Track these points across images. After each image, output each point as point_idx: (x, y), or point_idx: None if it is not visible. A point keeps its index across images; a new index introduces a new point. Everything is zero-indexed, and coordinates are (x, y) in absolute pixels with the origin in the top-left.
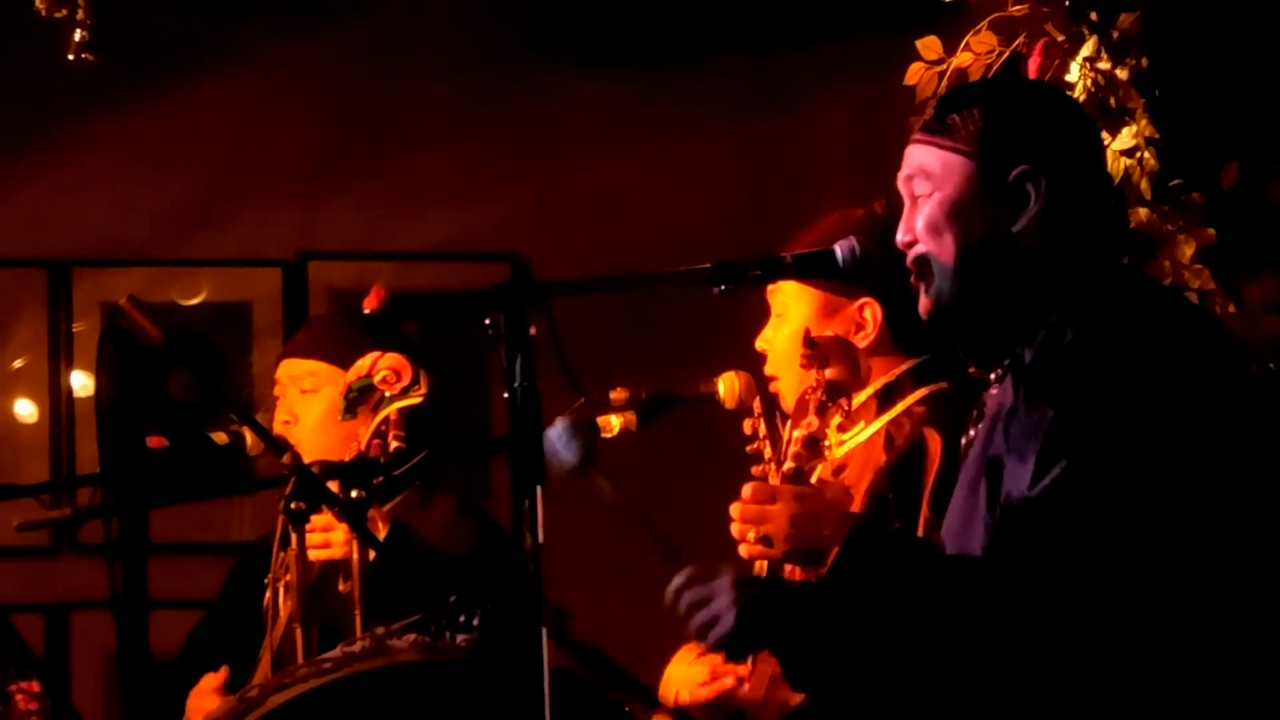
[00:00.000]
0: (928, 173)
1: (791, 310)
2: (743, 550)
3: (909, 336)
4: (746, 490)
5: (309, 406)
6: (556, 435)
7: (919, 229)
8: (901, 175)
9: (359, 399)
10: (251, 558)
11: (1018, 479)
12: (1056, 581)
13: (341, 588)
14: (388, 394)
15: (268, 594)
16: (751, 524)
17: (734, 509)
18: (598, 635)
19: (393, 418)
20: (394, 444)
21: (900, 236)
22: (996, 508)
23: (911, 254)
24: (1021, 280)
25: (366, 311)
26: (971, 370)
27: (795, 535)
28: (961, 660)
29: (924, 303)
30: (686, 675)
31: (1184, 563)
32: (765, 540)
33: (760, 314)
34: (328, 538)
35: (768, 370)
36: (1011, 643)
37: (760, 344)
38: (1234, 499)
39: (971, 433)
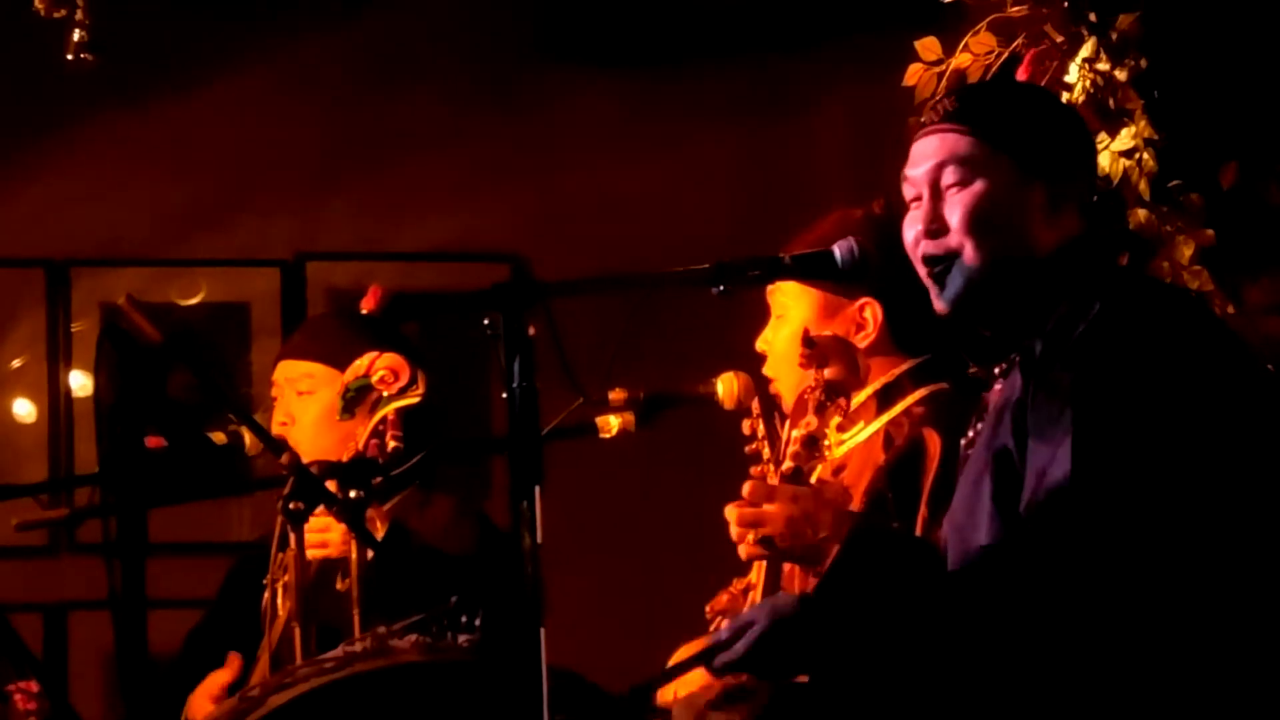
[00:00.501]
0: (964, 161)
1: (792, 311)
2: (741, 551)
3: (909, 336)
4: (744, 490)
5: (306, 408)
6: None
7: (954, 221)
8: (928, 164)
9: (356, 399)
10: (250, 558)
11: (1041, 464)
12: (1075, 575)
13: (339, 586)
14: (385, 394)
15: (266, 594)
16: (748, 525)
17: (729, 511)
18: (595, 637)
19: (390, 418)
20: (392, 444)
21: (927, 225)
22: (1004, 498)
23: (933, 246)
24: (1040, 275)
25: (364, 312)
26: (972, 370)
27: (791, 536)
28: (974, 661)
29: (946, 298)
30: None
31: (1194, 551)
32: (762, 541)
33: (759, 314)
34: (325, 537)
35: (767, 371)
36: (1031, 631)
37: (760, 345)
38: (1245, 491)
39: (971, 433)
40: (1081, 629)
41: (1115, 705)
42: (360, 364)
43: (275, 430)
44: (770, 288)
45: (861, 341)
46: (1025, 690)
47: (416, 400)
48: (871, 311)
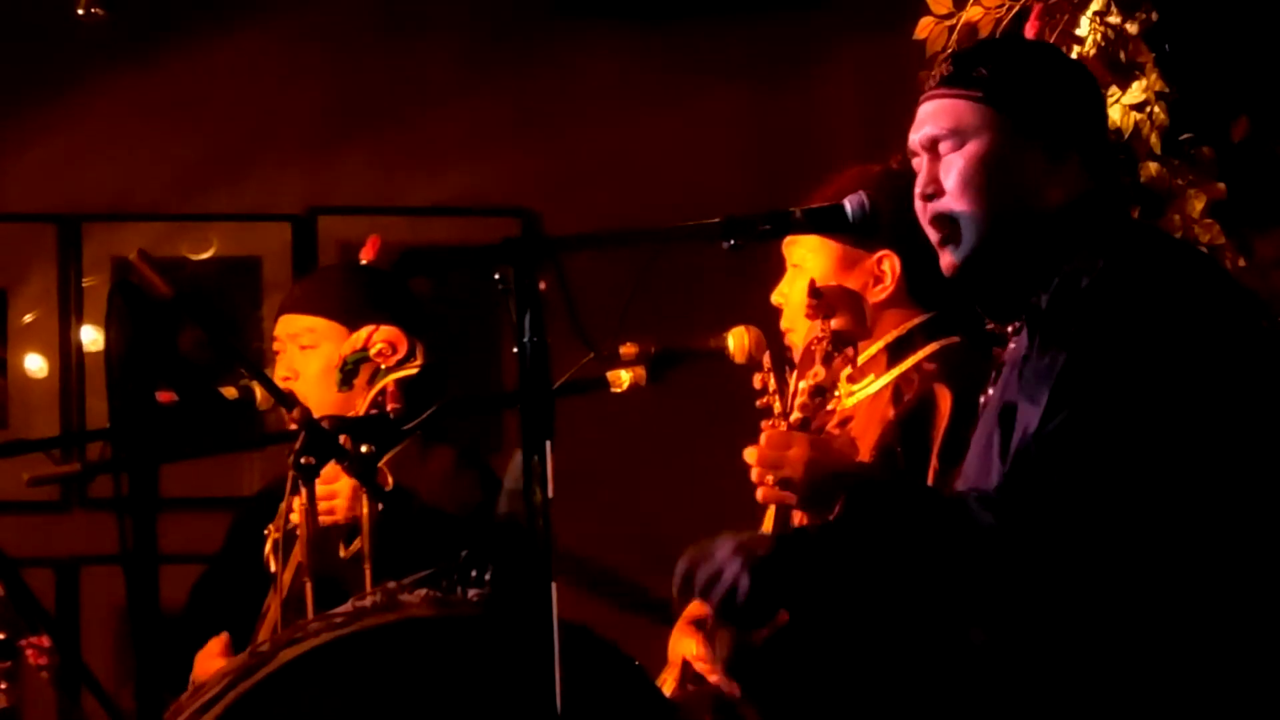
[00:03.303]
0: (957, 125)
1: (809, 263)
2: (760, 494)
3: (926, 289)
4: (764, 437)
5: (309, 362)
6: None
7: (949, 184)
8: (924, 130)
9: (354, 371)
10: (253, 510)
11: (1028, 421)
12: (1061, 521)
13: (343, 553)
14: (383, 366)
15: (267, 546)
16: (769, 469)
17: (749, 454)
18: (599, 597)
19: (390, 388)
20: (393, 416)
21: (922, 188)
22: (1008, 453)
23: (933, 208)
24: (1047, 233)
25: (363, 262)
26: (990, 326)
27: (811, 480)
28: (969, 601)
29: (948, 258)
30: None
31: (1187, 507)
32: (784, 484)
33: (770, 269)
34: (331, 504)
35: (783, 323)
36: (1018, 581)
37: (776, 297)
38: (1239, 442)
39: (990, 391)
40: (1060, 584)
41: (1105, 666)
42: (358, 337)
43: (279, 385)
44: (788, 240)
45: (879, 294)
46: (1017, 645)
47: (414, 371)
48: (890, 264)
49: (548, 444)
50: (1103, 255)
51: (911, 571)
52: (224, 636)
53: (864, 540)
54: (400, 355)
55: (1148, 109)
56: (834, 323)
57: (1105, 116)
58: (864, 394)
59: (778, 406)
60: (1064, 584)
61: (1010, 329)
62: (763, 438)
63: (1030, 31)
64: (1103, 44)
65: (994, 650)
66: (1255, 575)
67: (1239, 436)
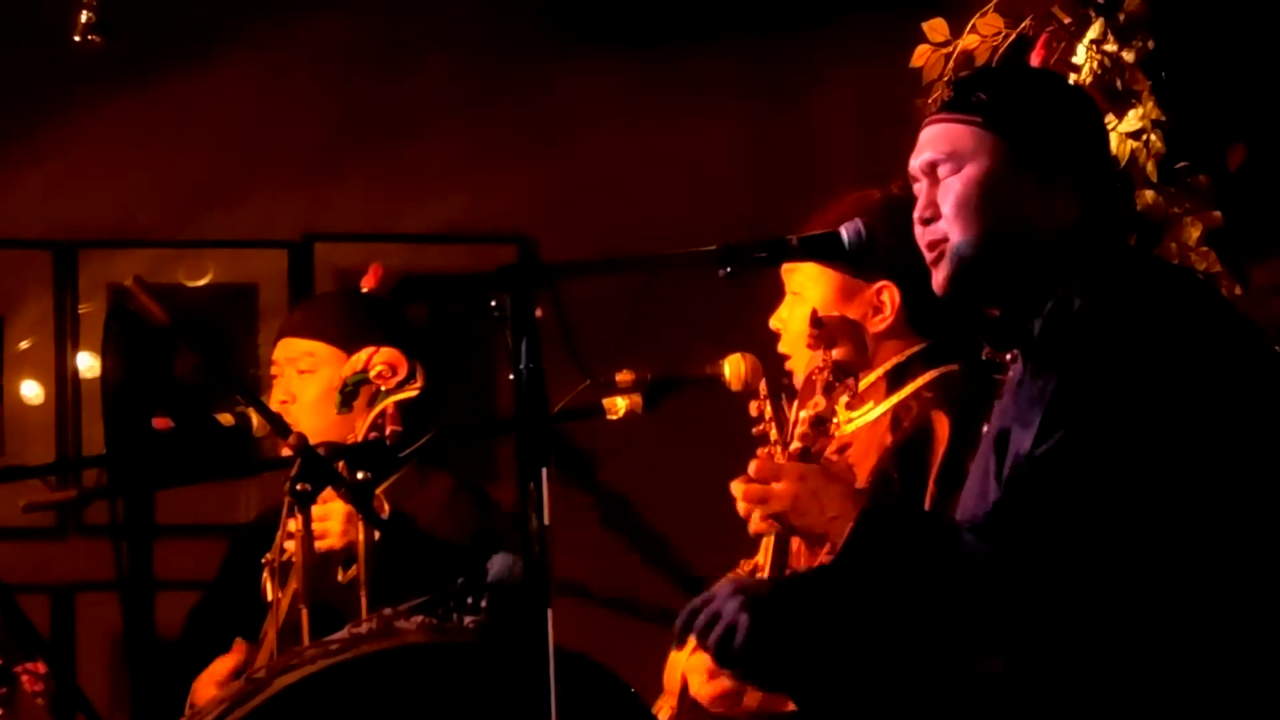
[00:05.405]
0: (955, 149)
1: (808, 291)
2: (750, 527)
3: (925, 320)
4: (751, 467)
5: (306, 386)
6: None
7: (945, 207)
8: (924, 155)
9: (354, 393)
10: (249, 537)
11: (1020, 445)
12: (1055, 544)
13: (340, 578)
14: (383, 388)
15: (264, 574)
16: (755, 503)
17: (735, 487)
18: (601, 619)
19: (389, 411)
20: (392, 440)
21: (920, 212)
22: (1003, 477)
23: (930, 230)
24: (1040, 257)
25: (364, 290)
26: (986, 353)
27: (797, 514)
28: (973, 632)
29: (940, 274)
30: (692, 663)
31: (1180, 529)
32: (773, 517)
33: (767, 296)
34: (324, 527)
35: (782, 348)
36: (1016, 608)
37: (774, 323)
38: (1231, 462)
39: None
40: (1057, 607)
41: (1106, 685)
42: (358, 359)
43: (275, 408)
44: (786, 267)
45: (878, 325)
46: (1033, 672)
47: (414, 394)
48: (889, 295)
49: (544, 471)
50: (1094, 279)
51: (910, 607)
52: (225, 661)
53: (861, 577)
54: (400, 377)
55: (1144, 137)
56: (835, 353)
57: (1106, 143)
58: (863, 420)
59: (773, 434)
60: (1061, 607)
61: (1009, 356)
62: (751, 468)
63: (1036, 60)
64: (1099, 72)
65: (1010, 679)
66: (1251, 592)
67: (1232, 457)
